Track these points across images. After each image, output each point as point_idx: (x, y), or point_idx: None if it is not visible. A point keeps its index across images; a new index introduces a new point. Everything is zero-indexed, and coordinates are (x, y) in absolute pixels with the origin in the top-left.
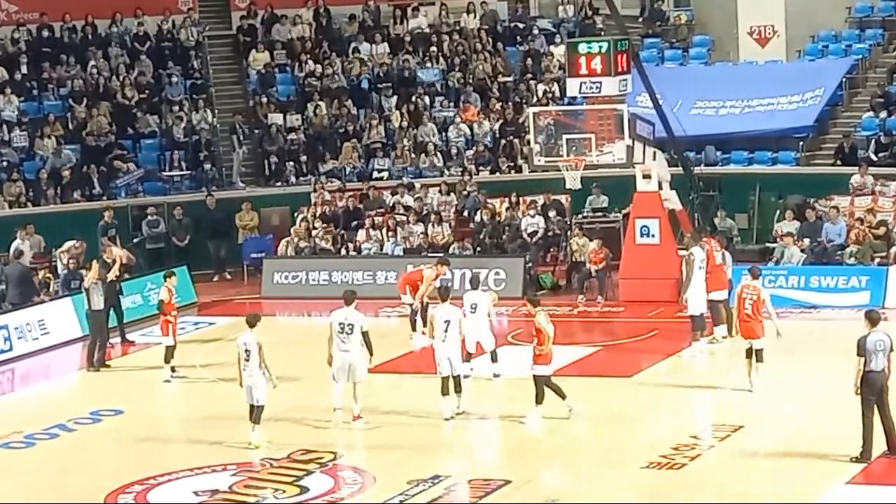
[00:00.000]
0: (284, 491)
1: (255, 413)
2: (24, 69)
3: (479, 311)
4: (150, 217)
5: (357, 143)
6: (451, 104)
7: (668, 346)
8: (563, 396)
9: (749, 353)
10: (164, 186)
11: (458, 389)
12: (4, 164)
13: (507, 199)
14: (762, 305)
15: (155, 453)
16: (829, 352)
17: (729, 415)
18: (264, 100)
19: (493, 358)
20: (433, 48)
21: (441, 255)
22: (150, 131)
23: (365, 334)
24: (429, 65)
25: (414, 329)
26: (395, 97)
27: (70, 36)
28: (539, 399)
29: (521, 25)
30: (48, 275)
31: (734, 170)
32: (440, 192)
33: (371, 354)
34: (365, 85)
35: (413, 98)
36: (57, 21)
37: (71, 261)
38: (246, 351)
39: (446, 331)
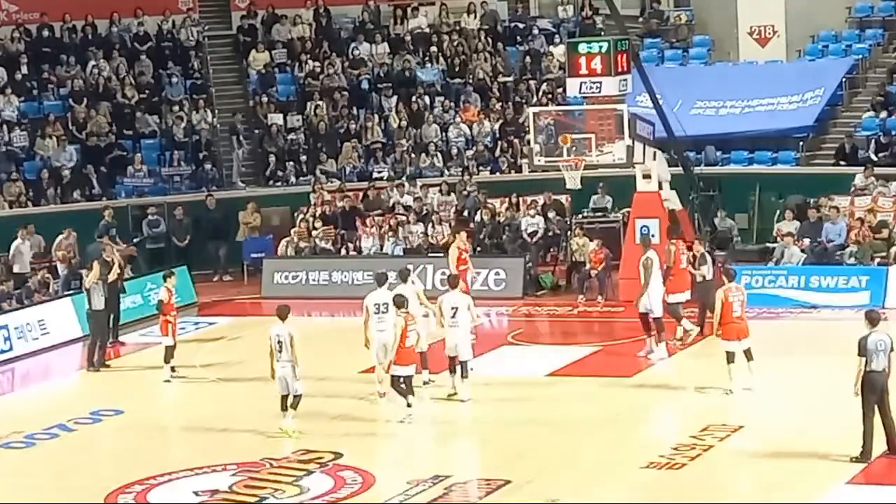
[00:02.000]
0: (284, 491)
1: (294, 402)
2: (24, 69)
3: (460, 316)
4: (150, 217)
5: (357, 143)
6: (451, 104)
7: (668, 347)
8: (407, 401)
9: (731, 358)
10: (164, 186)
11: (463, 375)
12: (4, 163)
13: (507, 200)
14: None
15: (155, 453)
16: (829, 352)
17: (729, 415)
18: (264, 100)
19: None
20: (433, 48)
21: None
22: (150, 131)
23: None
24: (429, 65)
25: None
26: (395, 97)
27: (70, 36)
28: (406, 399)
29: (521, 25)
30: (48, 275)
31: (734, 170)
32: (440, 192)
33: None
34: (365, 85)
35: (413, 98)
36: (57, 21)
37: (69, 252)
38: (279, 343)
39: (454, 317)
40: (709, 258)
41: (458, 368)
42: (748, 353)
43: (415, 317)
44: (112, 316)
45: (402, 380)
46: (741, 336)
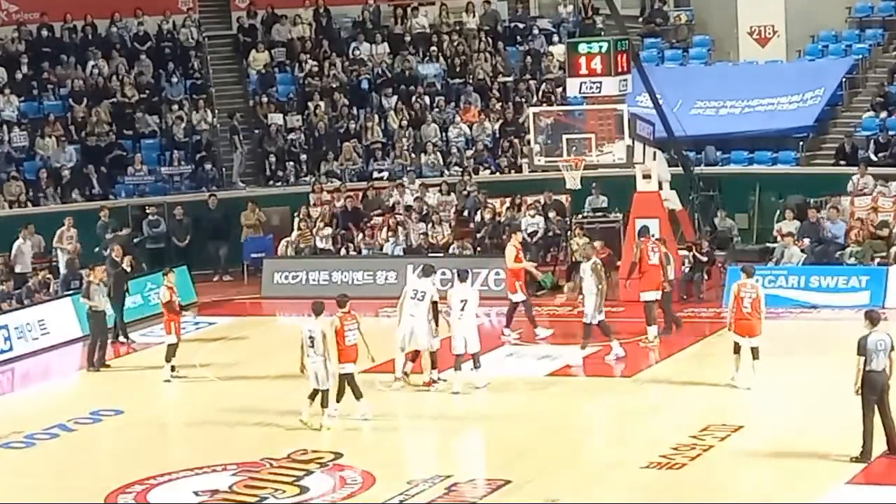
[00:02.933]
0: (284, 491)
1: (323, 399)
2: (24, 69)
3: (468, 309)
4: (150, 217)
5: (357, 143)
6: (452, 104)
7: (669, 346)
8: (358, 397)
9: (737, 348)
10: (164, 186)
11: (476, 365)
12: (4, 164)
13: (507, 200)
14: (760, 303)
15: (155, 453)
16: (829, 352)
17: (729, 415)
18: (264, 100)
19: (475, 363)
20: (433, 48)
21: (515, 236)
22: (150, 131)
23: (434, 304)
24: (429, 63)
25: (534, 325)
26: (395, 97)
27: (70, 36)
28: (356, 395)
29: (521, 25)
30: (48, 275)
31: (734, 170)
32: (440, 191)
33: (437, 325)
34: (365, 85)
35: (413, 98)
36: (57, 21)
37: (68, 244)
38: (310, 338)
39: (462, 310)
40: (672, 259)
41: (471, 359)
42: (755, 352)
43: (355, 317)
44: (116, 315)
45: (349, 376)
46: (750, 334)
